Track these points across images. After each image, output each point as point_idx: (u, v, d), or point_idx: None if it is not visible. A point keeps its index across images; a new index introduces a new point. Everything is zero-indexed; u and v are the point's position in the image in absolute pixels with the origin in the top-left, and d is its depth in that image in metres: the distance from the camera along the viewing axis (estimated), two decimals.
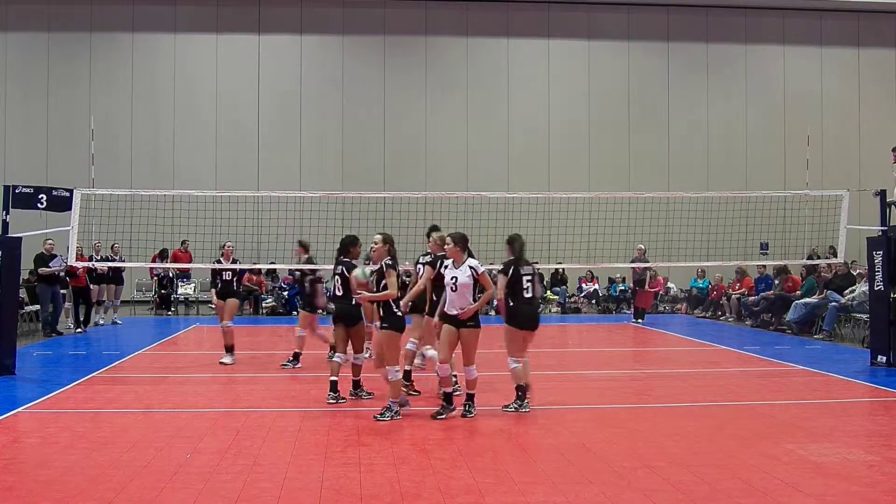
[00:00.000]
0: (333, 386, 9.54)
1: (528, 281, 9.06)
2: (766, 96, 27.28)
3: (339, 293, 9.75)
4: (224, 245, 13.30)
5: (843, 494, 6.08)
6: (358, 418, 8.76)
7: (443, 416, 8.56)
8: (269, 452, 7.25)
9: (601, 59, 26.88)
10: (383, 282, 8.77)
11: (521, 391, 8.99)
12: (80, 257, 16.27)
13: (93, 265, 17.51)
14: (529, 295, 9.05)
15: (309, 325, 12.58)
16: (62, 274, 16.75)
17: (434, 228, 10.37)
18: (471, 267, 8.64)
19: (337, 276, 9.80)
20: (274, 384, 11.23)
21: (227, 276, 12.90)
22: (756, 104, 27.22)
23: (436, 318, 9.20)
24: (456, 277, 8.60)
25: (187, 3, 25.92)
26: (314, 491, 6.12)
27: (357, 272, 8.97)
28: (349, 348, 9.87)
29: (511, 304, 8.95)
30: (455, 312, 8.56)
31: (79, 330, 17.73)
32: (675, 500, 5.94)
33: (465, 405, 8.75)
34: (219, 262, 13.12)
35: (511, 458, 7.07)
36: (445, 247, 8.86)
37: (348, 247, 9.98)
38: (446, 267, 8.80)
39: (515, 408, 8.95)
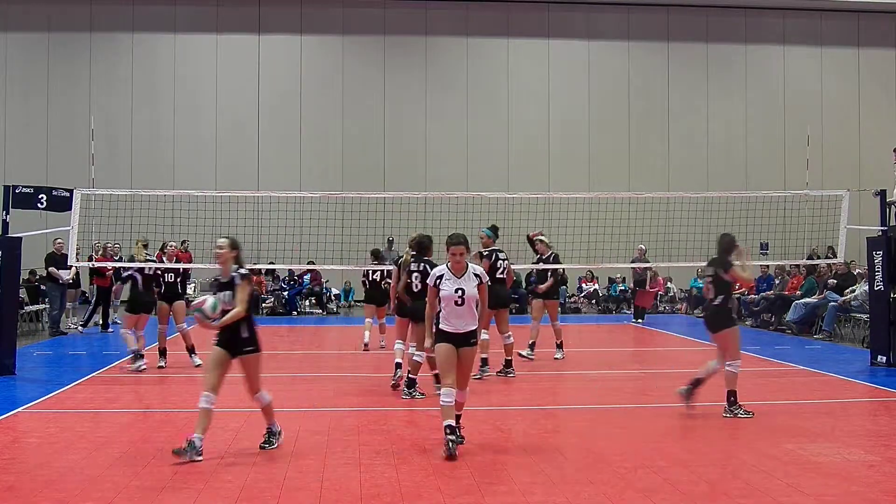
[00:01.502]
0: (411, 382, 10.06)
1: (708, 283, 8.97)
2: (766, 96, 27.28)
3: (415, 290, 10.18)
4: (169, 245, 13.20)
5: (843, 494, 6.08)
6: (358, 418, 8.77)
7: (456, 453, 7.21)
8: (269, 452, 7.25)
9: (601, 59, 26.87)
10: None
11: (694, 384, 8.87)
12: (105, 257, 16.39)
13: (92, 265, 17.54)
14: (710, 296, 8.94)
15: (135, 324, 12.32)
16: (70, 280, 17.00)
17: (493, 229, 11.54)
18: (477, 275, 7.41)
19: (417, 273, 10.20)
20: (274, 384, 11.18)
21: (170, 277, 12.66)
22: (756, 104, 27.22)
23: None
24: (463, 289, 7.26)
25: (187, 3, 25.92)
26: (314, 491, 6.12)
27: (209, 304, 7.13)
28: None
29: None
30: (463, 330, 7.27)
31: (79, 329, 17.78)
32: (675, 500, 5.94)
33: (450, 432, 7.22)
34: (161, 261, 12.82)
35: (511, 458, 7.07)
36: (455, 256, 7.36)
37: (429, 246, 10.30)
38: (440, 277, 7.37)
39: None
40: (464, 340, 7.28)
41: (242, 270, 7.28)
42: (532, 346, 13.32)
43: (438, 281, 7.39)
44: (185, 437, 6.96)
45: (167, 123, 25.76)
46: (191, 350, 12.68)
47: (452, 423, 7.19)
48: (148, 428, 8.33)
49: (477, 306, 7.41)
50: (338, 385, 11.08)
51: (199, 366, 12.49)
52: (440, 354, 7.33)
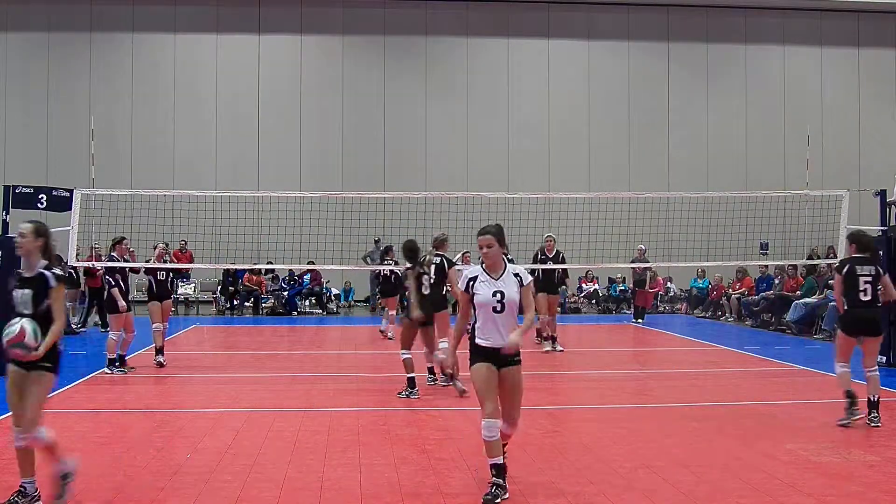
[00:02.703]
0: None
1: (865, 282, 8.50)
2: (766, 96, 27.26)
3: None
4: (156, 246, 13.28)
5: (843, 494, 6.08)
6: (358, 418, 8.76)
7: (498, 501, 5.87)
8: (269, 452, 7.25)
9: (601, 60, 26.87)
10: (45, 304, 5.76)
11: (850, 398, 8.43)
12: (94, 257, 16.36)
13: (92, 265, 17.53)
14: (867, 298, 8.53)
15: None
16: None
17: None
18: (516, 275, 6.05)
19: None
20: (274, 384, 11.23)
21: (161, 276, 12.72)
22: (756, 104, 27.20)
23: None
24: (502, 292, 5.95)
25: (187, 3, 25.91)
26: (314, 491, 6.12)
27: (29, 335, 5.62)
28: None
29: (845, 306, 8.58)
30: (500, 344, 5.91)
31: (81, 329, 17.79)
32: (675, 500, 5.94)
33: (496, 474, 6.00)
34: (148, 261, 12.95)
35: (511, 458, 7.05)
36: (481, 250, 6.08)
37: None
38: (474, 279, 6.05)
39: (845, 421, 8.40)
40: (505, 358, 5.94)
41: (57, 271, 5.81)
42: (552, 339, 14.11)
43: (472, 283, 6.05)
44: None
45: (167, 123, 25.75)
46: (159, 350, 12.58)
47: (500, 461, 5.98)
48: (148, 428, 8.33)
49: (515, 313, 6.05)
50: (338, 385, 11.09)
51: (161, 365, 12.33)
52: (477, 377, 6.00)
